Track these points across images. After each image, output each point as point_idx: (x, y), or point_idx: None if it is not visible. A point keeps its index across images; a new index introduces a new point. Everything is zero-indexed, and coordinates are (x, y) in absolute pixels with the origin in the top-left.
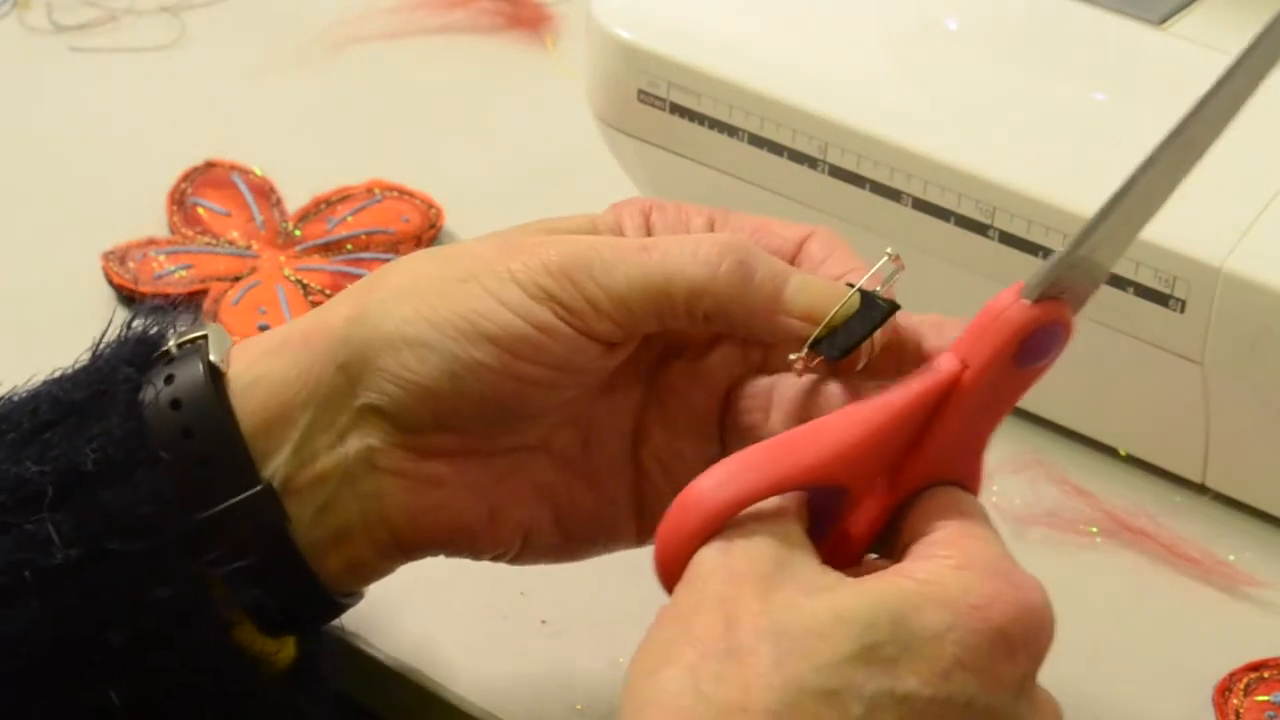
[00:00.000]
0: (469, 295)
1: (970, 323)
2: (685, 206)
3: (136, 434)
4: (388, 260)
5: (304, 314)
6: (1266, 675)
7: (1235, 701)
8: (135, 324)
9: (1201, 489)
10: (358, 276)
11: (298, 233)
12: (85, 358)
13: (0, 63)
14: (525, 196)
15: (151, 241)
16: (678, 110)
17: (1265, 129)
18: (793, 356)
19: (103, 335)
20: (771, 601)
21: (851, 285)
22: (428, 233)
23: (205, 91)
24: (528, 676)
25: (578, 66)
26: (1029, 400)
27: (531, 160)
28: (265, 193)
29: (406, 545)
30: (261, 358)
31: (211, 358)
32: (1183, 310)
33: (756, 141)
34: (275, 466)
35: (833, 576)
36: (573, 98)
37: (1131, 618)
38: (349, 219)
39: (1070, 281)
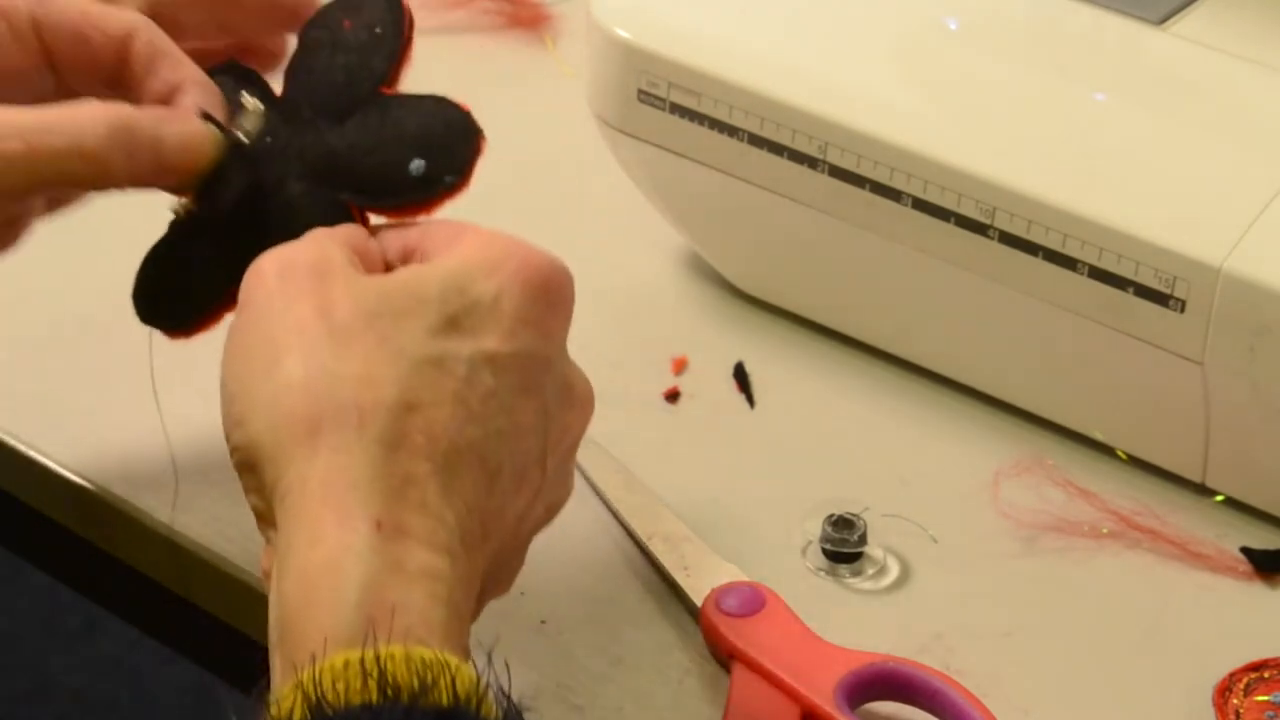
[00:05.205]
0: None
1: None
2: None
3: None
4: None
5: None
6: (1266, 675)
7: (1235, 701)
8: None
9: (1202, 488)
10: None
11: None
12: None
13: None
14: (525, 196)
15: None
16: (678, 110)
17: (1265, 129)
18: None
19: None
20: (351, 289)
21: (219, 126)
22: None
23: None
24: (527, 676)
25: (578, 66)
26: (1029, 400)
27: (531, 160)
28: None
29: None
30: None
31: None
32: (1183, 310)
33: (756, 141)
34: None
35: (380, 268)
36: (573, 98)
37: (1131, 617)
38: None
39: None
